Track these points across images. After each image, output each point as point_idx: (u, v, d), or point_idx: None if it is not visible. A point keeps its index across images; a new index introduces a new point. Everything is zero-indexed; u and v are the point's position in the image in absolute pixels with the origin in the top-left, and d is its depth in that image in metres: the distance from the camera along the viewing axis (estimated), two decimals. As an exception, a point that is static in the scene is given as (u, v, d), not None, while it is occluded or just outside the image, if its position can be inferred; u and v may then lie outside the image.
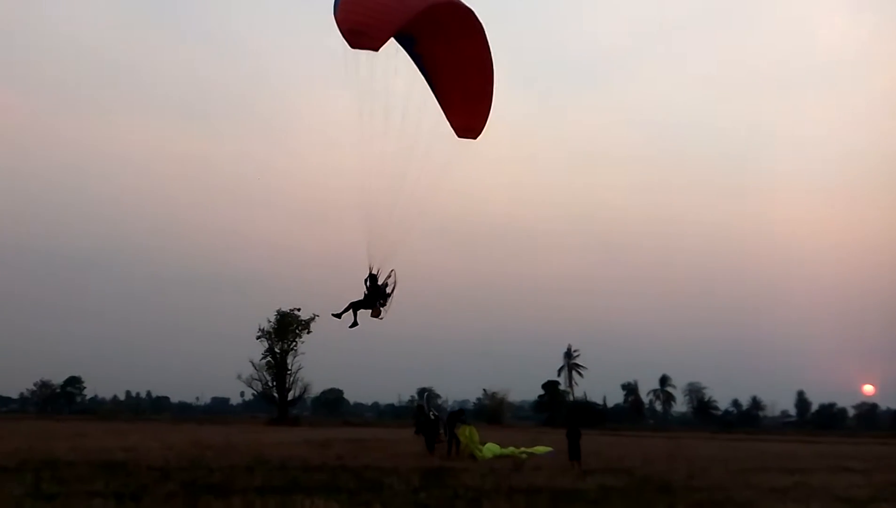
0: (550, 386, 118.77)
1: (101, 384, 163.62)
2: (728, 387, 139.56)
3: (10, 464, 19.68)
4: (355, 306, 14.79)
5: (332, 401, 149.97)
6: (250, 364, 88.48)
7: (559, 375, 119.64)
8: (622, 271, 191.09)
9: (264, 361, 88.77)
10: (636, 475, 22.53)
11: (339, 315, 14.91)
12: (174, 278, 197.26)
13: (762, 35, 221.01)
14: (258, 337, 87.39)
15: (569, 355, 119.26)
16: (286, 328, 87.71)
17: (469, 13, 13.83)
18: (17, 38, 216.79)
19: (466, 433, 27.87)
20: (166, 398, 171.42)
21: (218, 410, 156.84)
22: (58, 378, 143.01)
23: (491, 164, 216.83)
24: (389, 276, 14.47)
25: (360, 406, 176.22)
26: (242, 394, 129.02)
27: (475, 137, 15.40)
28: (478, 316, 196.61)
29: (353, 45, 11.40)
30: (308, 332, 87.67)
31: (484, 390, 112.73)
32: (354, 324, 14.94)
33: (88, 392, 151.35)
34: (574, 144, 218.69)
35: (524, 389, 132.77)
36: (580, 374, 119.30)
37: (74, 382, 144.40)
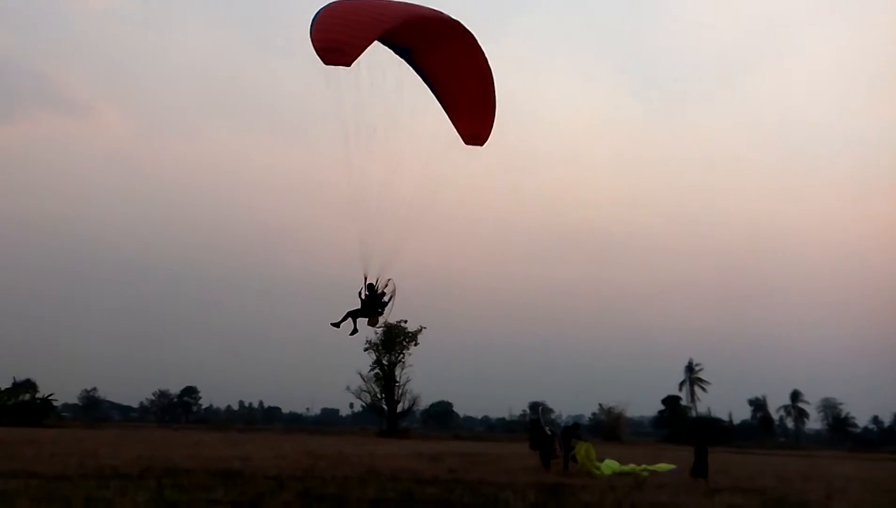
0: (671, 401, 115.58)
1: (216, 394, 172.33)
2: (868, 402, 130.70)
3: (133, 472, 21.04)
4: (353, 315, 15.38)
5: (442, 414, 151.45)
6: (359, 376, 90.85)
7: (680, 389, 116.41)
8: (745, 280, 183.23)
9: (372, 373, 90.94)
10: (770, 495, 21.49)
11: (337, 324, 15.43)
12: (285, 290, 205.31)
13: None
14: (365, 349, 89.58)
15: (690, 368, 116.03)
16: (393, 340, 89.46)
17: (454, 24, 14.33)
18: (127, 63, 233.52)
19: (583, 451, 27.43)
20: (277, 409, 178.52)
21: (328, 421, 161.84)
22: (175, 388, 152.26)
23: (603, 167, 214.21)
24: (387, 285, 15.08)
25: (470, 420, 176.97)
26: (352, 405, 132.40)
27: (482, 144, 16.02)
28: (592, 327, 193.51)
29: (326, 62, 12.14)
30: (415, 344, 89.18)
31: (600, 404, 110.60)
32: (354, 331, 15.63)
33: (204, 402, 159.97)
34: (690, 147, 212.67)
35: (642, 404, 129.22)
36: (703, 389, 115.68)
37: (190, 392, 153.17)
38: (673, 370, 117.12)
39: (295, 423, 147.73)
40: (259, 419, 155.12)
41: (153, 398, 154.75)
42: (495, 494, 18.55)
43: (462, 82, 15.28)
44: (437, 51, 14.86)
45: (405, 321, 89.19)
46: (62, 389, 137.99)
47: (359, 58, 12.61)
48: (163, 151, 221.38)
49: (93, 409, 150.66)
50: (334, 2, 13.07)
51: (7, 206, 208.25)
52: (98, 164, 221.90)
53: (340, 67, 12.34)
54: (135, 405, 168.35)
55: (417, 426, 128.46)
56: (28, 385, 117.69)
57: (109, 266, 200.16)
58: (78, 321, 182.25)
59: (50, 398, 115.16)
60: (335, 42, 12.12)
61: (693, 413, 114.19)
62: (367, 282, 15.01)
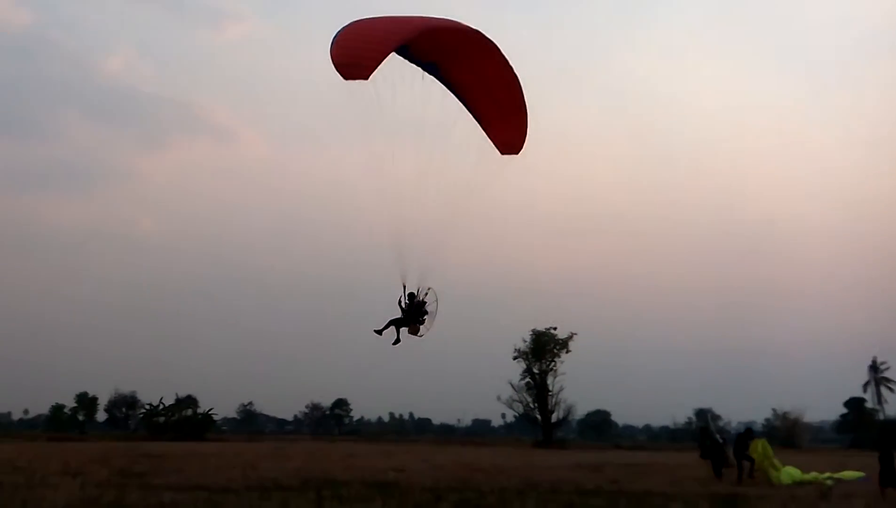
0: (855, 404, 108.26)
1: (367, 406, 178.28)
2: None
3: (293, 483, 22.08)
4: (396, 324, 15.57)
5: (599, 423, 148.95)
6: (509, 386, 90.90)
7: (865, 391, 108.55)
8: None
9: (523, 382, 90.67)
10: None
11: (380, 332, 15.72)
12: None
13: None
14: (514, 358, 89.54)
15: (875, 368, 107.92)
16: (543, 348, 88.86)
17: (474, 33, 14.68)
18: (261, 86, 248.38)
19: (759, 448, 26.08)
20: (428, 420, 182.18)
21: (479, 431, 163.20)
22: (326, 401, 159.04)
23: (754, 156, 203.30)
24: (427, 294, 15.32)
25: (630, 429, 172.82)
26: (504, 416, 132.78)
27: (517, 153, 16.42)
28: (761, 327, 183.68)
29: (345, 77, 12.69)
30: (567, 351, 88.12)
31: (774, 409, 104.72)
32: (397, 341, 15.76)
33: (355, 414, 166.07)
34: (847, 128, 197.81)
35: (822, 407, 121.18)
36: (891, 389, 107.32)
37: (341, 404, 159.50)
38: (855, 370, 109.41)
39: (446, 434, 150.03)
40: (410, 431, 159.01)
41: (306, 410, 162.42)
42: (664, 505, 17.94)
43: (490, 93, 15.67)
44: (462, 63, 15.29)
45: (555, 328, 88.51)
46: (221, 404, 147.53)
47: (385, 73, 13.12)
48: (294, 168, 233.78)
49: (250, 422, 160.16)
50: (353, 21, 13.69)
51: (165, 229, 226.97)
52: (241, 183, 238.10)
53: (359, 80, 12.81)
54: (289, 417, 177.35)
55: (574, 437, 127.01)
56: (190, 401, 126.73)
57: (257, 284, 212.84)
58: (234, 338, 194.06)
59: (210, 412, 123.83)
60: (352, 57, 12.70)
61: (880, 416, 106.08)
62: (408, 292, 15.31)
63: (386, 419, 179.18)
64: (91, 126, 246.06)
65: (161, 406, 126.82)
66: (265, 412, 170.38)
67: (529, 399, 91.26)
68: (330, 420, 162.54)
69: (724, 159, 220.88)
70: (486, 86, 15.58)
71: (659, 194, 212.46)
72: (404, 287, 15.28)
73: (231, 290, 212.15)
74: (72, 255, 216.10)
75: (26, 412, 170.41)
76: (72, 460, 32.38)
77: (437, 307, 15.47)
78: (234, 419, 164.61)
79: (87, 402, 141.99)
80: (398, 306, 15.34)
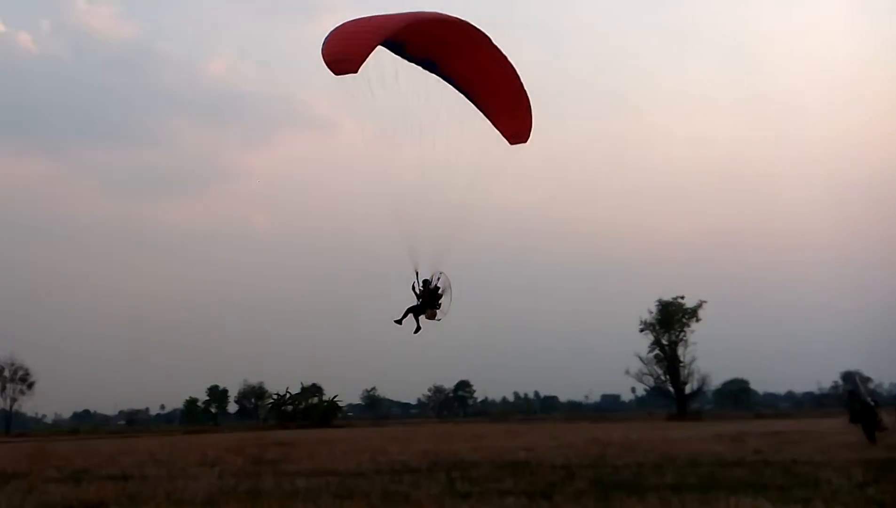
0: None
1: (490, 387, 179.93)
2: None
3: (422, 466, 22.54)
4: (414, 311, 16.14)
5: (737, 392, 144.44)
6: (637, 359, 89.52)
7: None
8: None
9: (652, 354, 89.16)
10: None
11: (399, 321, 16.30)
12: (552, 282, 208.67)
13: None
14: (641, 330, 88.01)
15: None
16: (671, 318, 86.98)
17: (462, 24, 15.12)
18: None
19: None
20: (555, 398, 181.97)
21: (609, 407, 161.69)
22: (449, 383, 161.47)
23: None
24: (439, 278, 15.91)
25: (772, 397, 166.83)
26: (633, 390, 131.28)
27: (525, 141, 17.00)
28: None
29: (336, 73, 13.40)
30: (696, 320, 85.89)
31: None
32: (418, 329, 16.34)
33: (478, 395, 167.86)
34: None
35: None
36: None
37: (464, 386, 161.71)
38: None
39: (575, 411, 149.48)
40: (537, 410, 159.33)
41: (429, 393, 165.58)
42: (814, 474, 17.23)
43: (490, 86, 16.24)
44: (457, 58, 15.80)
45: (682, 297, 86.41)
46: (345, 390, 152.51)
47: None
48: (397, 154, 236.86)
49: (374, 407, 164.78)
50: (343, 22, 14.51)
51: (278, 223, 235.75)
52: (347, 173, 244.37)
53: (350, 74, 13.53)
54: (413, 401, 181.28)
55: (710, 407, 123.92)
56: (315, 389, 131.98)
57: (373, 272, 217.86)
58: (354, 326, 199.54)
59: (335, 399, 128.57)
60: (341, 53, 13.41)
61: None
62: (423, 279, 15.89)
63: (511, 398, 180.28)
64: (199, 129, 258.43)
65: (288, 396, 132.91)
66: (389, 396, 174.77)
67: (660, 372, 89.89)
68: (453, 402, 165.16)
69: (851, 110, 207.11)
70: (484, 79, 16.15)
71: (786, 150, 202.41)
72: (417, 274, 15.90)
73: (348, 278, 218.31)
74: (191, 255, 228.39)
75: (162, 407, 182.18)
76: (208, 451, 34.28)
77: (451, 291, 16.11)
78: (358, 405, 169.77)
79: (218, 395, 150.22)
80: (413, 293, 15.90)
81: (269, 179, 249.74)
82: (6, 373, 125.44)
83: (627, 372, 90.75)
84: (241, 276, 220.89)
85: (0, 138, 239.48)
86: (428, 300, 15.93)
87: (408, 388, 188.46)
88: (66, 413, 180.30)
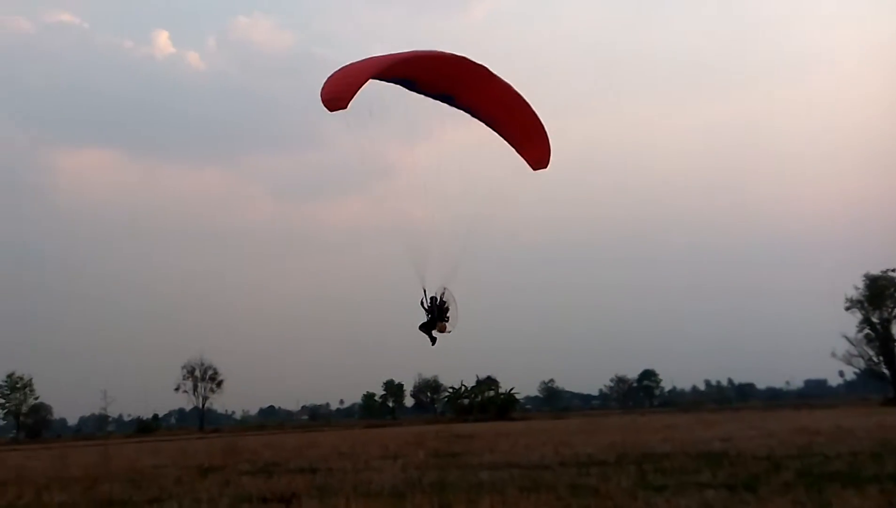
0: None
1: (678, 375, 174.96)
2: None
3: (609, 458, 22.35)
4: (426, 328, 17.67)
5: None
6: (845, 340, 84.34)
7: None
8: None
9: (861, 334, 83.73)
10: None
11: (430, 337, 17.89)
12: (743, 256, 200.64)
13: None
14: (847, 308, 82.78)
15: None
16: (881, 294, 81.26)
17: (458, 59, 16.37)
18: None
19: None
20: (751, 385, 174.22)
21: (814, 393, 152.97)
22: (632, 373, 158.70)
23: None
24: (444, 294, 17.55)
25: None
26: (842, 373, 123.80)
27: (546, 167, 18.43)
28: None
29: (329, 110, 15.11)
30: (910, 295, 79.83)
31: None
32: (433, 341, 17.87)
33: (665, 384, 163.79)
34: None
35: None
36: None
37: (649, 375, 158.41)
38: None
39: (775, 399, 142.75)
40: (731, 398, 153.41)
41: (611, 384, 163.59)
42: None
43: (505, 115, 17.52)
44: (468, 92, 17.18)
45: (893, 270, 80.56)
46: (522, 383, 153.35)
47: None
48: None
49: (553, 399, 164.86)
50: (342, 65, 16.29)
51: (436, 217, 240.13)
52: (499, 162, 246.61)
53: (341, 110, 15.37)
54: (594, 392, 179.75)
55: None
56: (490, 382, 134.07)
57: (550, 259, 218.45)
58: (528, 317, 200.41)
59: (512, 391, 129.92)
60: (332, 93, 15.13)
61: None
62: (430, 296, 17.49)
63: (701, 387, 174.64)
64: (356, 128, 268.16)
65: (464, 389, 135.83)
66: (568, 388, 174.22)
67: (871, 353, 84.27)
68: (638, 393, 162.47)
69: None
70: (497, 111, 17.53)
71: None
72: (425, 291, 17.51)
73: (519, 267, 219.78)
74: (360, 251, 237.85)
75: (342, 402, 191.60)
76: (389, 444, 35.71)
77: (455, 304, 17.85)
78: (536, 397, 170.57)
79: (394, 389, 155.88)
80: (422, 308, 17.59)
81: (426, 173, 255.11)
82: (197, 373, 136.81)
83: (833, 354, 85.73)
84: (405, 271, 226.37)
85: (182, 153, 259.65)
86: (437, 315, 17.60)
87: (588, 379, 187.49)
88: (253, 410, 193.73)
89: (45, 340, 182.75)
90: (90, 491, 19.84)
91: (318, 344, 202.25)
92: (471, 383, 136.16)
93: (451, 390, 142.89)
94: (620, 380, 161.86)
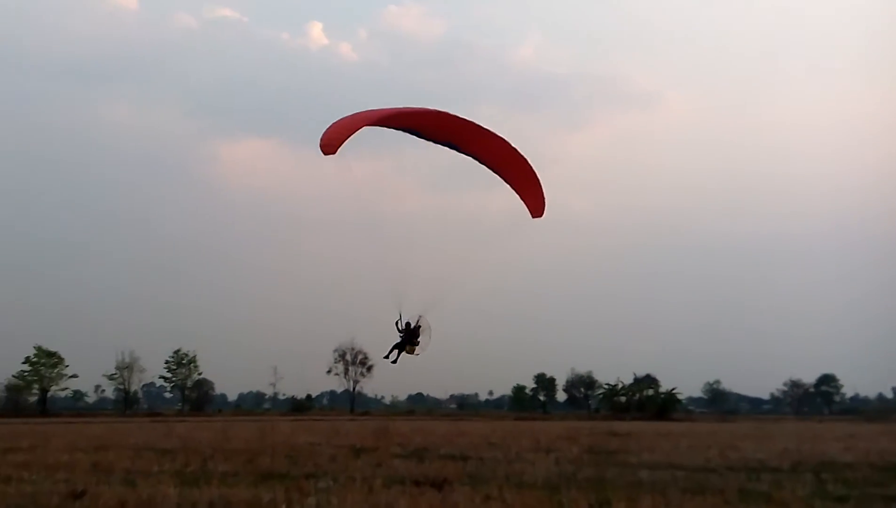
0: None
1: (861, 382, 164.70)
2: None
3: (782, 464, 21.46)
4: (398, 347, 19.41)
5: None
6: None
7: None
8: None
9: None
10: None
11: (388, 357, 19.60)
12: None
13: None
14: None
15: None
16: None
17: (446, 116, 18.08)
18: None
19: None
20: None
21: None
22: (808, 377, 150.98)
23: None
24: (419, 320, 19.29)
25: None
26: None
27: (541, 216, 20.07)
28: None
29: (324, 154, 16.85)
30: None
31: None
32: (395, 362, 19.60)
33: (847, 391, 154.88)
34: None
35: None
36: None
37: (828, 380, 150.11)
38: None
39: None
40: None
41: (785, 388, 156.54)
42: None
43: (502, 166, 19.21)
44: (466, 143, 18.87)
45: None
46: (684, 383, 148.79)
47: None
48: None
49: (718, 402, 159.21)
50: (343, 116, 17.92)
51: (597, 208, 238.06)
52: (666, 149, 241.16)
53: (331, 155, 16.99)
54: (764, 396, 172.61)
55: None
56: (649, 380, 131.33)
57: (710, 252, 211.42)
58: (693, 314, 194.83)
59: (674, 391, 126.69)
60: (326, 140, 16.91)
61: None
62: (406, 321, 19.19)
63: (888, 394, 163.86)
64: (510, 116, 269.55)
65: (620, 386, 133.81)
66: (736, 390, 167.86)
67: None
68: (815, 398, 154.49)
69: None
70: (495, 161, 19.19)
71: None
72: (400, 315, 19.25)
73: (680, 261, 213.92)
74: (512, 243, 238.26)
75: (491, 393, 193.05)
76: (541, 437, 35.75)
77: (429, 332, 19.57)
78: (699, 398, 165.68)
79: (545, 382, 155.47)
80: (396, 329, 19.31)
81: (587, 162, 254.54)
82: (348, 357, 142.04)
83: None
84: (563, 263, 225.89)
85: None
86: (407, 338, 19.29)
87: (758, 382, 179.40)
88: (402, 396, 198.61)
89: (209, 321, 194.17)
90: (251, 463, 21.08)
91: (468, 333, 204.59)
92: (628, 380, 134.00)
93: (606, 386, 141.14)
94: (795, 384, 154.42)
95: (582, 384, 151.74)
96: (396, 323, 19.27)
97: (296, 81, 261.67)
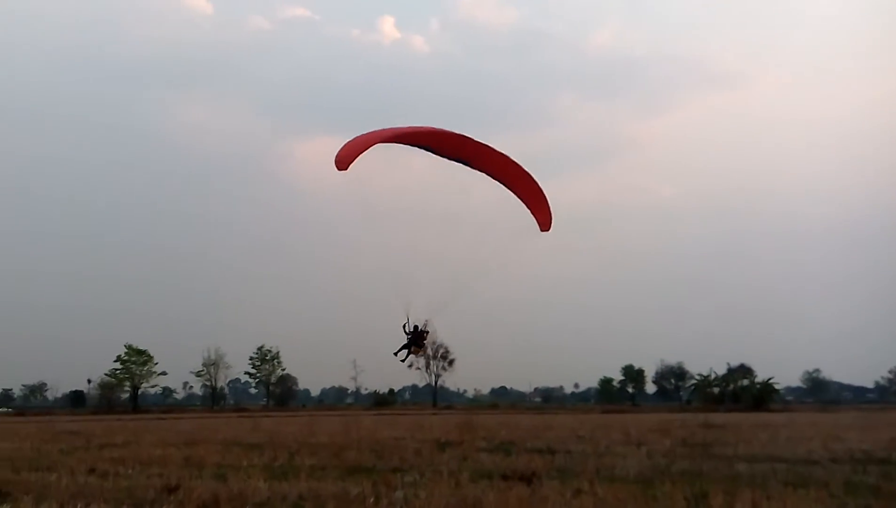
0: None
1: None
2: None
3: (891, 456, 20.81)
4: (407, 347, 20.67)
5: None
6: None
7: None
8: None
9: None
10: None
11: (397, 353, 20.76)
12: None
13: None
14: None
15: None
16: None
17: (452, 135, 19.45)
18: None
19: None
20: None
21: None
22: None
23: None
24: (425, 325, 20.62)
25: None
26: None
27: (548, 230, 21.16)
28: None
29: (338, 169, 18.19)
30: None
31: None
32: (404, 360, 20.88)
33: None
34: None
35: None
36: None
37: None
38: None
39: None
40: None
41: (891, 376, 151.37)
42: None
43: (511, 182, 20.43)
44: (476, 160, 20.07)
45: None
46: (780, 372, 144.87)
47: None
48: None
49: (819, 391, 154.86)
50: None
51: (685, 193, 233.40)
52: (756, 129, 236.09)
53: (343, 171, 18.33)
54: (868, 385, 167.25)
55: None
56: (744, 370, 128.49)
57: (799, 234, 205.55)
58: (788, 302, 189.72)
59: (770, 381, 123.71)
60: (340, 157, 18.26)
61: None
62: (413, 324, 20.50)
63: None
64: (589, 102, 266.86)
65: (713, 377, 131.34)
66: (836, 378, 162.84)
67: None
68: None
69: None
70: (505, 177, 20.37)
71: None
72: (408, 318, 20.56)
73: (774, 244, 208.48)
74: (593, 231, 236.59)
75: (576, 385, 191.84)
76: (631, 430, 35.31)
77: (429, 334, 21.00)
78: (798, 388, 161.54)
79: (633, 374, 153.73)
80: (403, 331, 20.57)
81: (672, 146, 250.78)
82: (429, 351, 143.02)
83: None
84: (649, 250, 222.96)
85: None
86: (414, 340, 20.61)
87: (861, 369, 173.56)
88: (485, 389, 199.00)
89: (290, 318, 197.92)
90: (337, 457, 21.45)
91: (552, 325, 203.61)
92: (720, 370, 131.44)
93: (698, 377, 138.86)
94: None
95: (672, 376, 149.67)
96: (404, 326, 20.74)
97: (368, 77, 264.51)
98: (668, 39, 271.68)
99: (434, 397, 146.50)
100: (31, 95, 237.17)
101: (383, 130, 19.62)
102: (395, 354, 20.95)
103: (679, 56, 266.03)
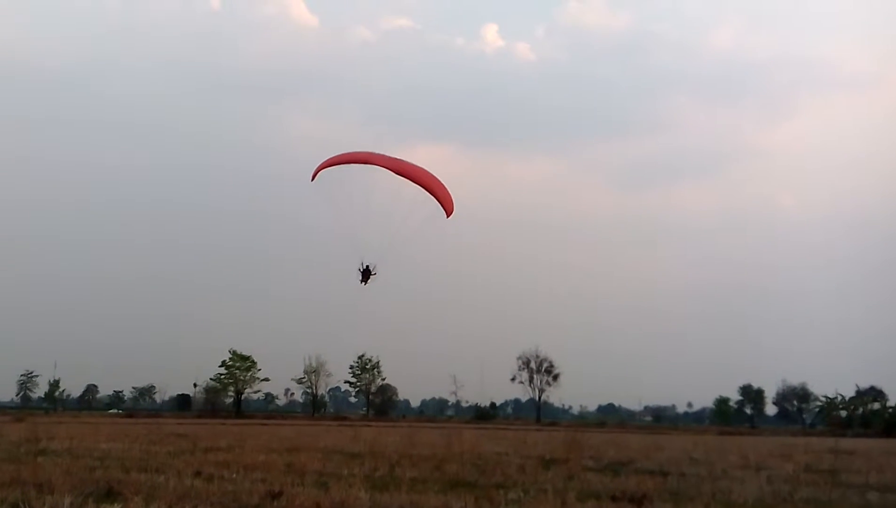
0: None
1: None
2: None
3: None
4: (363, 280, 28.79)
5: None
6: None
7: None
8: None
9: None
10: None
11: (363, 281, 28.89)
12: None
13: None
14: None
15: None
16: None
17: (394, 161, 27.35)
18: None
19: None
20: None
21: None
22: None
23: None
24: (374, 267, 28.71)
25: None
26: None
27: (450, 215, 28.28)
28: None
29: (312, 180, 27.31)
30: None
31: None
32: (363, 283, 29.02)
33: None
34: None
35: None
36: None
37: None
38: None
39: None
40: None
41: None
42: None
43: (428, 187, 27.30)
44: (409, 176, 27.16)
45: None
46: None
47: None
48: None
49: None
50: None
51: (808, 202, 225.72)
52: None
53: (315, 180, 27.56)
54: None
55: None
56: (875, 392, 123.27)
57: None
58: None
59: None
60: (316, 170, 27.13)
61: None
62: (366, 265, 28.53)
63: None
64: (705, 107, 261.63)
65: (840, 399, 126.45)
66: None
67: None
68: None
69: None
70: (427, 185, 27.30)
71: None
72: (362, 263, 28.60)
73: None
74: (709, 242, 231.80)
75: (690, 405, 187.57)
76: (749, 454, 34.31)
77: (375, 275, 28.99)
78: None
79: (752, 394, 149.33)
80: (358, 270, 28.67)
81: (794, 153, 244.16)
82: (533, 365, 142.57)
83: None
84: (768, 261, 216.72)
85: (512, 144, 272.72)
86: (366, 275, 28.72)
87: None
88: (592, 406, 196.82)
89: (391, 328, 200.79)
90: (438, 470, 21.56)
91: (665, 341, 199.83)
92: (848, 393, 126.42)
93: (823, 399, 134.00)
94: None
95: (795, 397, 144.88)
96: (359, 267, 28.61)
97: (471, 85, 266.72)
98: (793, 41, 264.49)
99: (538, 412, 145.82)
100: (150, 108, 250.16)
101: (344, 154, 27.58)
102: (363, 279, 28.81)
103: (804, 58, 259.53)
